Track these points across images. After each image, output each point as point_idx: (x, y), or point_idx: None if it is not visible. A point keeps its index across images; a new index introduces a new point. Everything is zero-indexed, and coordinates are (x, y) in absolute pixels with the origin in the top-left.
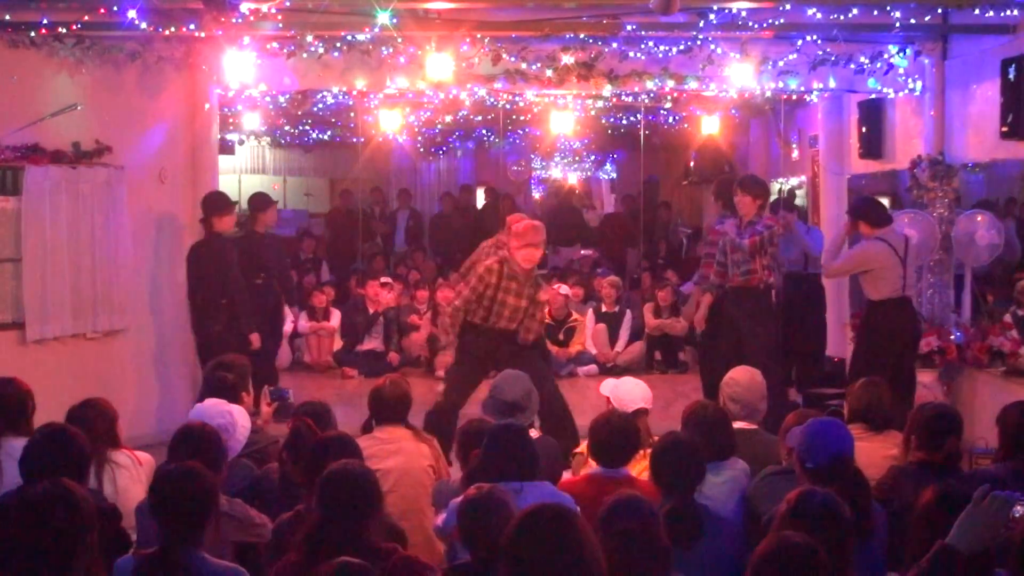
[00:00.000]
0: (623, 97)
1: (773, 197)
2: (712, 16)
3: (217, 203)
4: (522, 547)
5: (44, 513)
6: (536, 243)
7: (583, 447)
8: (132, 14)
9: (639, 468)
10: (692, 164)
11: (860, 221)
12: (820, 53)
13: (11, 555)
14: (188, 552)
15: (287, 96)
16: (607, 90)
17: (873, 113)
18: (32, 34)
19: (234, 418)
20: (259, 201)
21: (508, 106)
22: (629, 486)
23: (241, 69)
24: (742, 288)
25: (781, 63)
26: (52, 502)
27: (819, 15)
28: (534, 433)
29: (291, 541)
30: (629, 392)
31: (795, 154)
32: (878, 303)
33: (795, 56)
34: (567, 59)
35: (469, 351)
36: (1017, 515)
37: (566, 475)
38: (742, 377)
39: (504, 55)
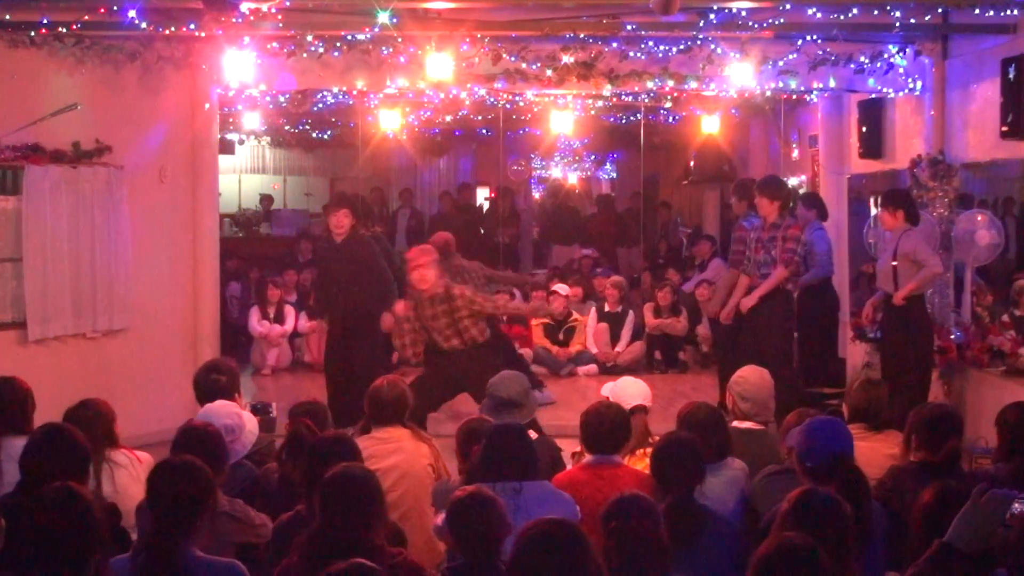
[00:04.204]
0: (623, 97)
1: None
2: (712, 16)
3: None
4: (526, 562)
5: (59, 521)
6: (423, 264)
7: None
8: (132, 14)
9: (639, 467)
10: (692, 164)
11: (901, 211)
12: (820, 53)
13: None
14: (179, 546)
15: (287, 96)
16: (607, 90)
17: (873, 113)
18: (32, 34)
19: (242, 420)
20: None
21: (508, 106)
22: (621, 472)
23: (241, 69)
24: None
25: (781, 63)
26: (66, 508)
27: (819, 15)
28: (532, 434)
29: (292, 542)
30: (627, 389)
31: (795, 154)
32: (921, 297)
33: (795, 56)
34: (567, 59)
35: (434, 370)
36: (1016, 512)
37: None
38: (752, 375)
39: (504, 55)
